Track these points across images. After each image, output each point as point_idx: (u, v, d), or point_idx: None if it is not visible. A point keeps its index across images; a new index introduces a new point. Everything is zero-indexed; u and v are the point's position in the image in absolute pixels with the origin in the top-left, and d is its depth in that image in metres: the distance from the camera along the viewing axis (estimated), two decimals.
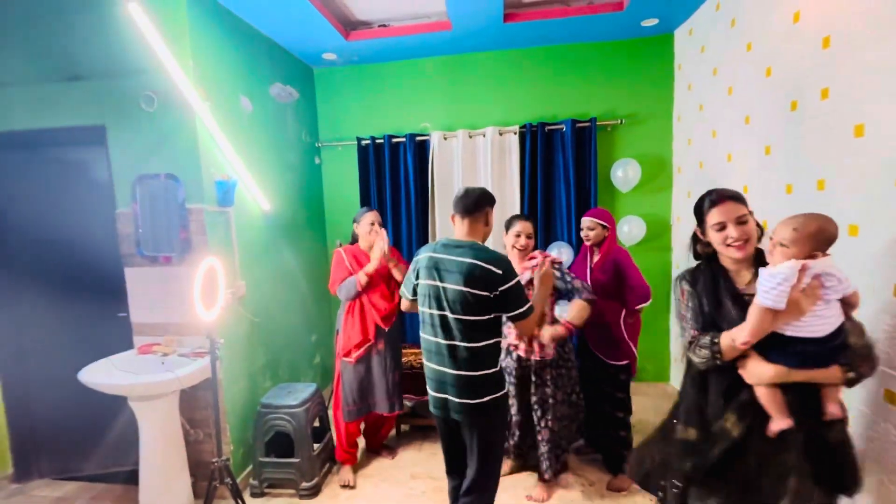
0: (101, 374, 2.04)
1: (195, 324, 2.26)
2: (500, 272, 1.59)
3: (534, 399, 2.21)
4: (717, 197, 1.29)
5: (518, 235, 2.25)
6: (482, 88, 3.36)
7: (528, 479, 2.46)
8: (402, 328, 3.15)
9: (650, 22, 2.91)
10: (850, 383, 1.17)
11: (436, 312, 1.69)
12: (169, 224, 2.27)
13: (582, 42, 3.21)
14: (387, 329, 2.46)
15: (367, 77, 3.49)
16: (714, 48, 2.59)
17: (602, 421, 2.38)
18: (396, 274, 2.44)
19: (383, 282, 2.48)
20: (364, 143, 3.46)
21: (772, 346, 1.18)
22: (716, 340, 1.24)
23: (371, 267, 2.37)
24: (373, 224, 2.44)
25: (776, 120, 2.01)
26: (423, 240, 3.46)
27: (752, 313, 1.17)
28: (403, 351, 3.23)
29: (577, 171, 3.22)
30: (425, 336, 1.76)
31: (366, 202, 3.52)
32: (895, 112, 1.41)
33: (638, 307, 2.28)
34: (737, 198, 1.27)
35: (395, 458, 2.72)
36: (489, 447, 1.75)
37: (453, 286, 1.62)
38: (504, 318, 1.73)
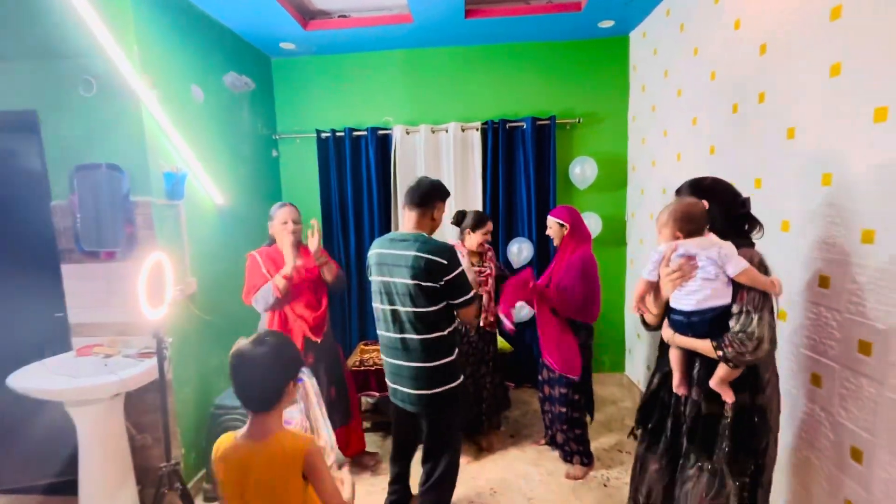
0: (33, 379, 1.91)
1: (141, 323, 2.14)
2: (444, 262, 1.61)
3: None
4: (680, 187, 1.55)
5: (486, 234, 2.53)
6: (445, 83, 3.36)
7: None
8: (339, 333, 3.10)
9: (607, 24, 3.00)
10: (725, 361, 1.28)
11: (387, 307, 1.71)
12: (112, 217, 2.14)
13: (542, 41, 3.26)
14: (318, 341, 2.23)
15: (327, 68, 3.41)
16: (665, 51, 2.70)
17: (558, 419, 2.41)
18: (326, 274, 2.27)
19: (309, 286, 2.23)
20: (324, 135, 3.38)
21: (669, 312, 1.44)
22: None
23: (287, 269, 2.10)
24: (286, 223, 2.16)
25: (720, 121, 2.12)
26: None
27: (636, 284, 1.49)
28: (365, 347, 3.20)
29: (538, 168, 3.28)
30: (380, 332, 1.78)
31: (326, 197, 3.45)
32: (821, 116, 1.52)
33: (574, 317, 2.27)
34: (686, 189, 1.50)
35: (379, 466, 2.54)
36: (446, 437, 1.77)
37: (401, 280, 1.64)
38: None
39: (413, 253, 1.62)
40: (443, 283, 1.62)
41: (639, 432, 1.60)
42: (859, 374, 1.39)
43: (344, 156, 3.40)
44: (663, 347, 1.52)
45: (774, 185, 1.76)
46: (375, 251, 1.76)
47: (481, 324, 2.50)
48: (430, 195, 1.71)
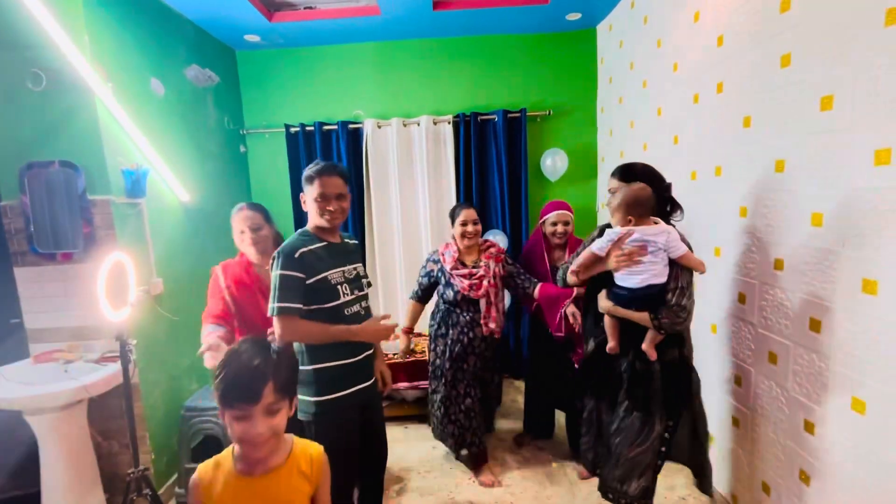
0: None
1: (104, 326, 2.06)
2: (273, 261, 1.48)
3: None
4: (613, 170, 1.72)
5: (464, 224, 2.21)
6: (415, 76, 3.34)
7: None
8: None
9: (574, 16, 3.03)
10: (658, 329, 1.51)
11: None
12: (68, 217, 2.05)
13: (511, 33, 3.28)
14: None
15: (294, 61, 3.34)
16: (630, 43, 2.75)
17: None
18: None
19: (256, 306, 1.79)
20: (293, 130, 3.32)
21: (610, 287, 1.62)
22: (566, 268, 1.76)
23: (212, 338, 1.65)
24: (242, 232, 1.81)
25: (682, 111, 2.18)
26: (360, 231, 3.40)
27: (583, 252, 1.64)
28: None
29: (510, 160, 3.31)
30: None
31: (297, 193, 3.39)
32: (774, 106, 1.58)
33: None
34: (616, 173, 1.67)
35: None
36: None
37: None
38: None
39: None
40: None
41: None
42: (810, 350, 1.46)
43: (314, 151, 3.34)
44: (594, 317, 1.75)
45: (733, 172, 1.83)
46: None
47: (483, 332, 2.24)
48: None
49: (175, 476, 2.34)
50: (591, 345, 1.78)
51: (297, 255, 1.46)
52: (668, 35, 2.29)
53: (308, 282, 1.47)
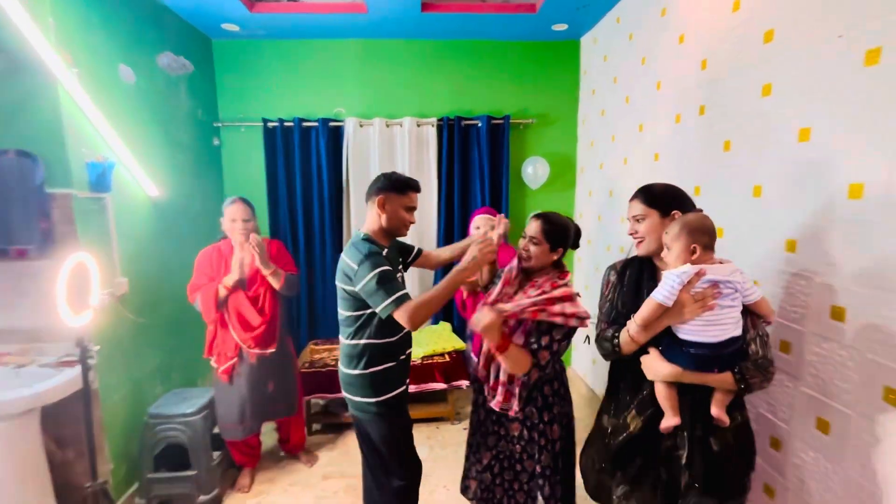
0: None
1: (60, 328, 1.93)
2: (354, 266, 1.49)
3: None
4: (633, 194, 1.41)
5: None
6: (400, 77, 3.29)
7: None
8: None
9: (560, 27, 3.06)
10: (742, 392, 1.18)
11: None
12: (23, 211, 1.91)
13: (498, 39, 3.27)
14: (257, 350, 2.17)
15: (274, 53, 3.23)
16: (614, 58, 2.80)
17: None
18: (273, 282, 2.13)
19: (250, 297, 2.15)
20: (271, 125, 3.21)
21: (669, 345, 1.22)
22: (616, 336, 1.30)
23: (230, 279, 2.06)
24: (234, 221, 2.07)
25: (664, 130, 2.23)
26: (338, 232, 3.33)
27: (644, 306, 1.22)
28: (316, 347, 3.11)
29: (492, 166, 3.31)
30: None
31: (273, 190, 3.29)
32: (754, 132, 1.63)
33: None
34: (638, 196, 1.38)
35: (314, 464, 2.56)
36: (370, 454, 1.68)
37: (337, 281, 1.62)
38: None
39: (343, 254, 1.59)
40: (357, 288, 1.50)
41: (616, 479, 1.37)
42: (780, 371, 1.52)
43: (293, 147, 3.24)
44: (632, 385, 1.32)
45: (712, 192, 1.88)
46: None
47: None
48: (372, 187, 1.60)
49: (136, 486, 2.23)
50: (633, 421, 1.29)
51: (383, 253, 1.55)
52: (652, 54, 2.34)
53: None
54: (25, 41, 1.76)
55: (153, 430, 2.17)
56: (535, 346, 1.42)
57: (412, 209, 1.64)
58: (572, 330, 1.44)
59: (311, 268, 3.35)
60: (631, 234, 1.38)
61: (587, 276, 3.23)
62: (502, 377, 1.47)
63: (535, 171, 3.28)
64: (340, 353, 1.69)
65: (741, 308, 1.19)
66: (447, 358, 2.93)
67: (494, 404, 1.49)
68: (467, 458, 1.72)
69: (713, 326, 1.16)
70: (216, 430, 2.33)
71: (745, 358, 1.19)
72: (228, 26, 2.95)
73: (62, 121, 1.89)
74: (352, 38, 3.20)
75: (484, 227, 2.10)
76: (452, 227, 3.37)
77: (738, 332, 1.18)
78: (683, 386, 1.21)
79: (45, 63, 1.81)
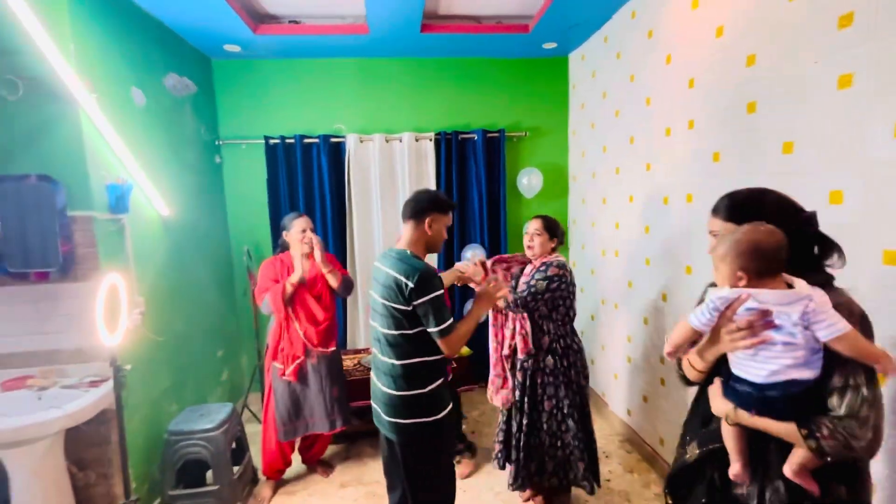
0: None
1: (87, 349, 1.96)
2: (412, 284, 1.49)
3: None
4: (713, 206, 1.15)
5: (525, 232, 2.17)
6: (398, 93, 3.40)
7: None
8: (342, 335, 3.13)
9: (550, 45, 3.24)
10: (822, 455, 0.89)
11: (375, 325, 1.64)
12: (44, 235, 1.93)
13: (492, 57, 3.43)
14: (320, 348, 2.33)
15: (274, 72, 3.30)
16: (603, 75, 2.98)
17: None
18: (332, 280, 2.34)
19: (313, 294, 2.34)
20: (273, 142, 3.27)
21: (727, 377, 1.04)
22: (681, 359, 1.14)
23: (295, 277, 2.25)
24: (304, 231, 2.29)
25: (655, 142, 2.41)
26: (341, 246, 3.40)
27: (677, 326, 1.06)
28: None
29: (489, 178, 3.45)
30: (372, 349, 1.71)
31: (275, 205, 3.34)
32: (742, 145, 1.81)
33: None
34: (717, 210, 1.13)
35: (330, 475, 2.60)
36: (419, 475, 1.63)
37: (380, 299, 1.58)
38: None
39: (389, 271, 1.56)
40: (413, 306, 1.52)
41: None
42: None
43: (295, 163, 3.31)
44: (703, 413, 1.13)
45: (702, 202, 2.05)
46: (374, 265, 1.71)
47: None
48: (422, 206, 1.63)
49: (157, 502, 2.24)
50: (691, 450, 1.12)
51: (438, 274, 1.61)
52: (641, 72, 2.52)
53: None
54: (45, 68, 1.81)
55: (174, 447, 2.19)
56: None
57: (449, 227, 1.75)
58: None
59: None
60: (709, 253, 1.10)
61: (582, 280, 3.39)
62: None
63: (529, 181, 3.43)
64: (384, 374, 1.61)
65: (809, 348, 0.91)
66: (454, 364, 3.02)
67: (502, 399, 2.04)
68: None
69: (758, 363, 0.95)
70: (233, 446, 2.36)
71: (816, 408, 0.92)
72: (230, 47, 3.01)
73: (84, 145, 1.92)
74: (352, 56, 3.31)
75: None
76: (451, 238, 3.48)
77: (801, 375, 0.92)
78: (759, 433, 0.98)
79: (67, 88, 1.85)
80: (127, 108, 2.25)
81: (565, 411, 2.03)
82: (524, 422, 2.05)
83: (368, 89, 3.38)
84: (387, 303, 1.55)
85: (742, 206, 1.07)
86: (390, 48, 3.17)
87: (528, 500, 2.29)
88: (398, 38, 2.99)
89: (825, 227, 1.03)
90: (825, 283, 0.98)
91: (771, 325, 0.92)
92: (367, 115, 3.40)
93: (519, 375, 2.07)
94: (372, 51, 3.21)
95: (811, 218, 1.02)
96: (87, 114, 1.93)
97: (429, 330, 1.54)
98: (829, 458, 0.90)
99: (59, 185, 1.91)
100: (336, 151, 3.34)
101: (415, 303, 1.51)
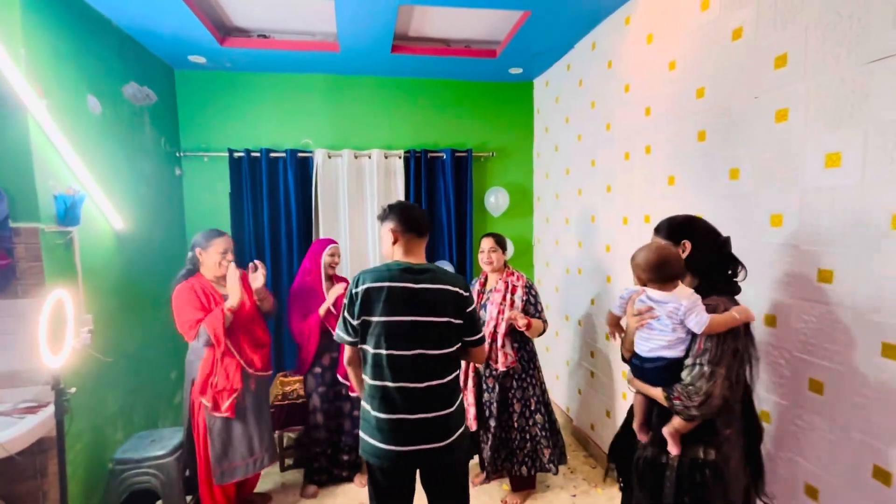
0: None
1: (22, 372, 1.81)
2: (466, 294, 1.53)
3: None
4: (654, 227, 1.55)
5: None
6: (368, 111, 3.42)
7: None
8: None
9: (516, 70, 3.37)
10: (675, 412, 1.25)
11: (404, 353, 1.45)
12: None
13: (460, 79, 3.52)
14: (261, 372, 2.19)
15: (240, 85, 3.25)
16: (566, 100, 3.13)
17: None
18: (264, 305, 2.29)
19: (253, 322, 2.21)
20: (237, 155, 3.19)
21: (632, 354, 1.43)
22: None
23: (233, 301, 2.04)
24: (224, 253, 2.13)
25: (614, 165, 2.53)
26: None
27: (607, 313, 1.55)
28: (285, 379, 3.05)
29: (457, 196, 3.50)
30: (374, 382, 1.48)
31: (238, 220, 3.24)
32: (694, 170, 1.93)
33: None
34: (657, 231, 1.48)
35: None
36: (465, 482, 1.64)
37: (433, 318, 1.45)
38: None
39: (443, 286, 1.47)
40: (464, 317, 1.51)
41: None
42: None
43: (260, 178, 3.24)
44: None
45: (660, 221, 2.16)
46: (383, 285, 1.46)
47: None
48: (427, 222, 1.62)
49: None
50: (627, 418, 1.55)
51: None
52: (601, 99, 2.66)
53: None
54: None
55: (119, 477, 2.04)
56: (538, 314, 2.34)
57: None
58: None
59: (277, 299, 3.29)
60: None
61: (546, 296, 3.46)
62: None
63: (496, 200, 3.51)
64: (434, 399, 1.49)
65: (679, 335, 1.26)
66: None
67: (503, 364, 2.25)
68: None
69: (643, 342, 1.34)
70: (186, 473, 2.21)
71: (677, 378, 1.27)
72: (195, 58, 2.95)
73: (31, 153, 1.82)
74: (322, 72, 3.31)
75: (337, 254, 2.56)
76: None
77: (669, 353, 1.28)
78: (653, 399, 1.35)
79: (15, 93, 1.75)
80: (82, 116, 2.15)
81: (532, 408, 2.34)
82: (493, 424, 2.31)
83: (338, 105, 3.38)
84: (445, 319, 1.48)
85: (678, 228, 1.42)
86: (361, 66, 3.20)
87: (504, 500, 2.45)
88: (369, 57, 3.03)
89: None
90: (731, 291, 1.34)
91: (653, 315, 1.30)
92: (336, 131, 3.39)
93: (489, 382, 2.34)
94: (342, 68, 3.22)
95: (726, 242, 1.38)
96: (37, 120, 1.83)
97: (470, 339, 1.58)
98: (680, 415, 1.25)
99: (2, 195, 1.79)
100: (303, 166, 3.30)
101: (467, 311, 1.54)
